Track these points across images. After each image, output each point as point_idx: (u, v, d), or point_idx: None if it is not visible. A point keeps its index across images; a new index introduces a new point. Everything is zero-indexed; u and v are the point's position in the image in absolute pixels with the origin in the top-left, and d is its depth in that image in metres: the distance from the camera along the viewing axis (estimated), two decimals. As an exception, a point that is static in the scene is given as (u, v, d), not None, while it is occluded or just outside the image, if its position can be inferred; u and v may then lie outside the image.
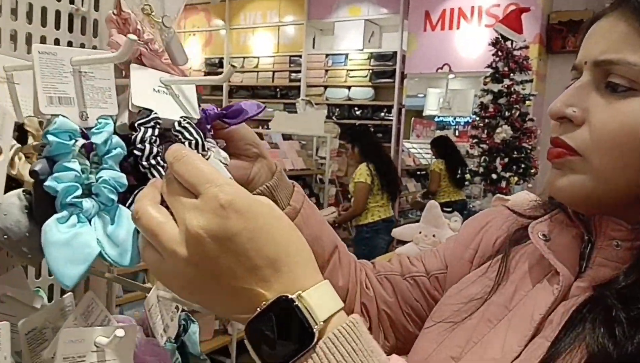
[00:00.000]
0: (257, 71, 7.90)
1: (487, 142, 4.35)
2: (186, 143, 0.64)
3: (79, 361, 0.53)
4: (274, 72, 7.72)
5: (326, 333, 0.39)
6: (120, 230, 0.56)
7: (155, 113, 0.63)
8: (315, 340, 0.38)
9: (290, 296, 0.39)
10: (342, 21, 7.02)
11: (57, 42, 0.74)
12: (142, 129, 0.61)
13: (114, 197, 0.56)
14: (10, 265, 0.70)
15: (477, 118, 4.40)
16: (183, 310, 0.77)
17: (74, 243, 0.51)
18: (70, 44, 0.75)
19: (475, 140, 4.42)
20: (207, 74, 8.43)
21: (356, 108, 7.08)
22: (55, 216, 0.52)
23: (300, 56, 7.37)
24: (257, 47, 7.92)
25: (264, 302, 0.40)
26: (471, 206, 4.60)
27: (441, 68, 6.10)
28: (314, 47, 7.47)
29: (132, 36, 0.51)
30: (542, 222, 0.66)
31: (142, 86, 0.64)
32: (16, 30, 0.70)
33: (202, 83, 0.68)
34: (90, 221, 0.54)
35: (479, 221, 0.80)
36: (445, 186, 5.36)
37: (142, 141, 0.61)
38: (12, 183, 0.56)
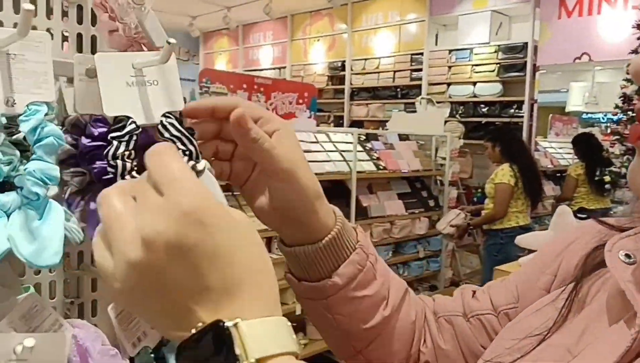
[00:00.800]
0: (378, 72, 7.81)
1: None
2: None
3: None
4: (394, 72, 7.56)
5: None
6: (45, 226, 0.50)
7: (132, 121, 0.57)
8: None
9: (226, 322, 0.34)
10: (466, 15, 6.63)
11: (79, 37, 0.72)
12: (115, 143, 0.56)
13: (39, 190, 0.51)
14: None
15: (619, 111, 3.81)
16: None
17: (-22, 239, 0.47)
18: (80, 36, 0.73)
19: (617, 137, 3.84)
20: (330, 78, 8.56)
21: (482, 105, 6.62)
22: (-36, 209, 0.48)
23: (421, 54, 7.12)
24: (378, 47, 7.84)
25: (200, 324, 0.35)
26: (613, 212, 4.01)
27: (579, 58, 5.44)
28: (436, 44, 7.17)
29: (28, 5, 0.44)
30: (628, 237, 0.49)
31: (113, 82, 0.59)
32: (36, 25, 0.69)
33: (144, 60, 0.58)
34: (8, 216, 0.50)
35: (563, 240, 0.64)
36: (584, 193, 4.76)
37: (115, 156, 0.55)
38: None
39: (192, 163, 0.57)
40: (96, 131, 0.59)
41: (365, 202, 4.32)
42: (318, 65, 8.84)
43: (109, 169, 0.56)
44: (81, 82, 0.61)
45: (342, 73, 8.35)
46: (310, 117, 4.87)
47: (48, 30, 0.67)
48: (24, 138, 0.53)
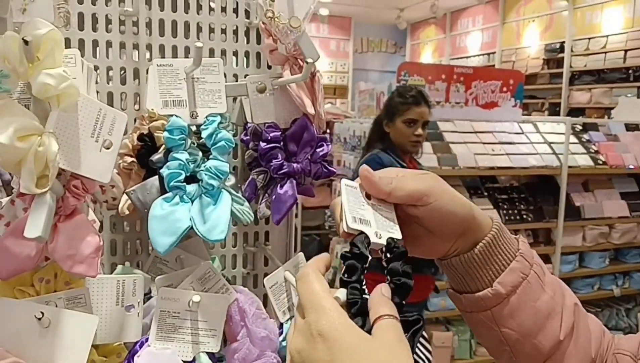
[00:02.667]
0: (605, 52, 6.87)
1: None
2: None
3: (174, 315, 0.65)
4: (626, 51, 6.56)
5: None
6: (216, 210, 0.65)
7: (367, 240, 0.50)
8: None
9: None
10: None
11: (246, 55, 0.89)
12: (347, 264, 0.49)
13: (214, 182, 0.66)
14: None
15: None
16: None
17: (169, 218, 0.64)
18: (247, 54, 0.89)
19: None
20: (546, 61, 7.85)
21: None
22: (163, 196, 0.65)
23: (662, 28, 6.05)
24: (606, 24, 6.88)
25: None
26: None
27: None
28: (683, 15, 6.00)
29: (199, 43, 0.59)
30: None
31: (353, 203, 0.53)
32: (213, 47, 0.88)
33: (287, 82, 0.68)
34: (192, 201, 0.66)
35: None
36: None
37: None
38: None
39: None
40: (269, 136, 0.72)
41: (579, 201, 3.88)
42: (532, 48, 8.18)
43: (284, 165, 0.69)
44: (254, 97, 0.76)
45: (560, 55, 7.57)
46: (515, 105, 4.57)
47: (223, 51, 0.83)
48: (200, 143, 0.69)
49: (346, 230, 0.50)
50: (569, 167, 3.76)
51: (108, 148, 0.61)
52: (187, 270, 0.73)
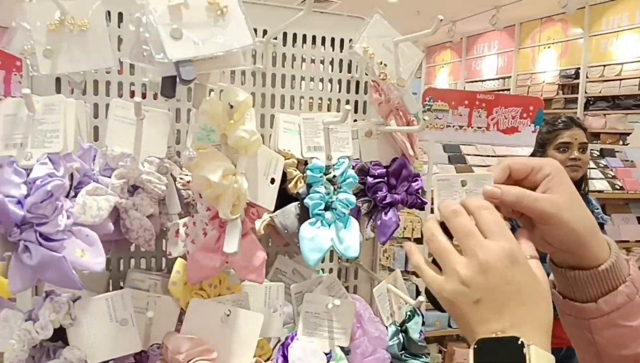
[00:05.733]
0: (620, 79, 7.04)
1: None
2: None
3: (315, 315, 0.82)
4: (640, 78, 6.73)
5: None
6: (348, 233, 0.83)
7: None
8: None
9: (524, 341, 0.48)
10: None
11: (347, 102, 1.07)
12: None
13: (345, 211, 0.84)
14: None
15: None
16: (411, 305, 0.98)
17: (315, 239, 0.81)
18: (348, 101, 1.07)
19: None
20: (561, 86, 8.02)
21: None
22: (308, 221, 0.83)
23: (676, 57, 6.21)
24: (621, 52, 7.06)
25: (499, 332, 0.50)
26: None
27: None
28: (697, 45, 6.16)
29: (348, 107, 0.77)
30: None
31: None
32: (321, 96, 1.06)
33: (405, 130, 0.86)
34: (329, 226, 0.83)
35: None
36: None
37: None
38: (293, 199, 0.90)
39: None
40: (376, 172, 0.90)
41: (596, 224, 4.03)
42: (547, 73, 8.37)
43: (387, 196, 0.86)
44: (363, 140, 0.94)
45: (575, 81, 7.75)
46: (534, 131, 4.74)
47: (338, 100, 1.01)
48: (334, 177, 0.86)
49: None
50: (588, 191, 3.90)
51: (272, 183, 0.79)
52: (315, 279, 0.90)
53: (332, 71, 1.06)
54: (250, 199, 0.75)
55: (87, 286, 0.80)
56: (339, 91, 1.07)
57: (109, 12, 0.84)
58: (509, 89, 9.09)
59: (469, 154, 4.47)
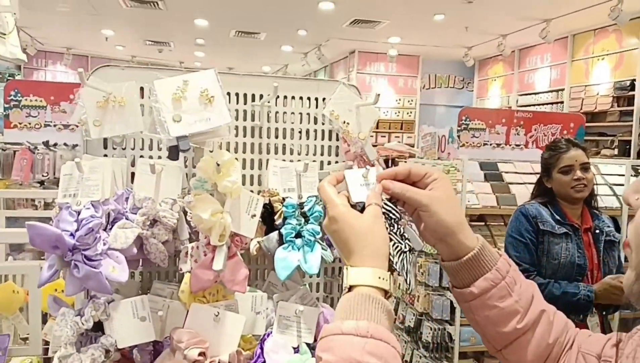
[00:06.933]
0: (678, 91, 6.81)
1: None
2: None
3: (287, 318, 1.08)
4: (699, 90, 6.49)
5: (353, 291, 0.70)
6: (312, 255, 1.08)
7: None
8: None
9: (347, 267, 0.73)
10: None
11: (322, 148, 1.33)
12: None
13: (312, 238, 1.09)
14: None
15: None
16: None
17: (286, 259, 1.07)
18: (322, 148, 1.32)
19: None
20: (615, 98, 7.83)
21: None
22: (282, 245, 1.09)
23: None
24: (678, 62, 6.84)
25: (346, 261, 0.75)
26: None
27: None
28: None
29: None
30: None
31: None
32: (308, 144, 1.32)
33: None
34: (299, 249, 1.09)
35: None
36: None
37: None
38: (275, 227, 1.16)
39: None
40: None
41: (637, 241, 4.00)
42: (601, 85, 8.19)
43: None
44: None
45: (630, 93, 7.56)
46: (575, 148, 4.75)
47: (322, 146, 1.27)
48: (304, 212, 1.12)
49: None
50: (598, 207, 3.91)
51: (253, 217, 1.06)
52: (292, 291, 1.16)
53: (314, 123, 1.32)
54: (234, 230, 1.02)
55: (123, 293, 1.10)
56: (322, 139, 1.33)
57: (141, 88, 1.15)
58: (562, 102, 8.95)
59: (506, 172, 4.55)
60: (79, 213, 0.94)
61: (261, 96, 1.26)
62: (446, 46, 10.24)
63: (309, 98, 1.30)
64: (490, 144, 4.65)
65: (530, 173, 4.60)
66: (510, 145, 4.70)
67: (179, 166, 1.10)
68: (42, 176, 3.48)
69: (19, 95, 3.80)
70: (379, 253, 0.73)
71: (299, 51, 11.46)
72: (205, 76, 0.97)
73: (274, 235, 1.14)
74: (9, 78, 12.78)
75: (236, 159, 1.06)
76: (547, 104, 9.38)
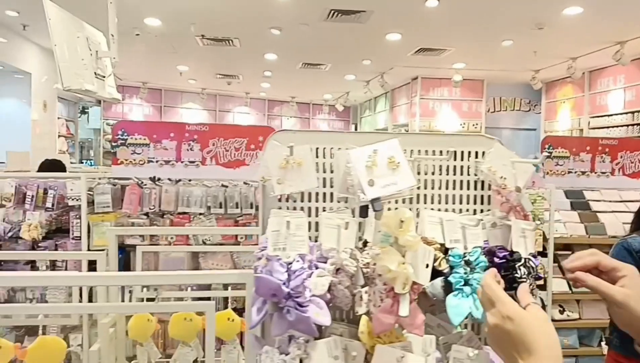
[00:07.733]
0: None
1: None
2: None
3: (459, 360, 1.17)
4: None
5: None
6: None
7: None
8: None
9: None
10: None
11: (474, 198, 1.43)
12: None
13: (468, 290, 1.19)
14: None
15: None
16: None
17: (459, 306, 1.17)
18: (475, 197, 1.43)
19: None
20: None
21: None
22: (452, 293, 1.19)
23: None
24: None
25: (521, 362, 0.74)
26: None
27: None
28: None
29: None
30: None
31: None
32: (461, 194, 1.43)
33: None
34: (468, 297, 1.19)
35: None
36: None
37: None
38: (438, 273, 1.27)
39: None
40: (501, 254, 1.24)
41: None
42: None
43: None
44: (489, 230, 1.29)
45: None
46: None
47: (468, 196, 1.38)
48: (467, 261, 1.22)
49: None
50: None
51: (427, 266, 1.17)
52: (457, 333, 1.26)
53: (466, 174, 1.43)
54: (414, 279, 1.14)
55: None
56: (472, 189, 1.44)
57: (316, 148, 1.30)
58: (638, 124, 8.64)
59: (593, 200, 4.47)
60: (288, 264, 1.09)
61: (419, 151, 1.39)
62: (512, 70, 10.15)
63: (455, 151, 1.42)
64: (575, 172, 4.60)
65: (618, 201, 4.50)
66: (595, 173, 4.63)
67: (357, 221, 1.23)
68: (149, 209, 3.76)
69: (125, 134, 4.14)
70: (556, 353, 0.73)
71: (362, 79, 11.68)
72: (390, 145, 1.11)
73: (439, 281, 1.25)
74: (85, 110, 13.75)
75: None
76: (621, 126, 9.08)
